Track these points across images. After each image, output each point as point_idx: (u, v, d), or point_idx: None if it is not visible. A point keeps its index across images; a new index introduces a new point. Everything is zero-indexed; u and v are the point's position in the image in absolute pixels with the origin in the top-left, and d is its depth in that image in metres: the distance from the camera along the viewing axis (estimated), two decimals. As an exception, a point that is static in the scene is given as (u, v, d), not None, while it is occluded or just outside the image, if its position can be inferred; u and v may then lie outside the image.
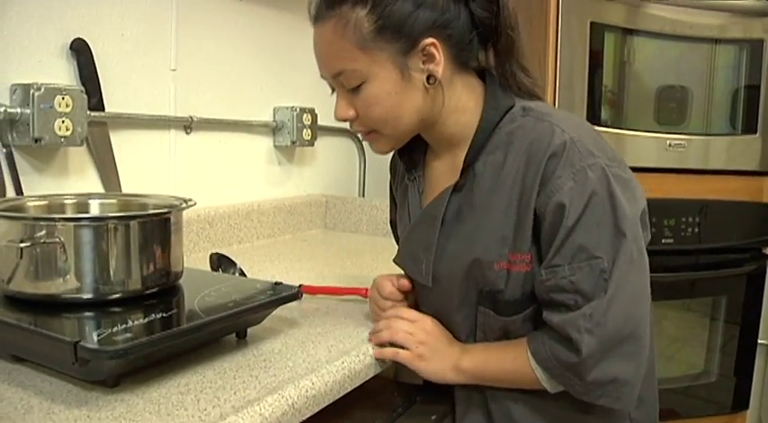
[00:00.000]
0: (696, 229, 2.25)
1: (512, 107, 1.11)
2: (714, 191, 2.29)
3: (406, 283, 1.22)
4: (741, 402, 2.44)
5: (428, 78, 1.06)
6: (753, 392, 2.49)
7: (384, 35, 1.02)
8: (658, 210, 2.17)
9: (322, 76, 1.11)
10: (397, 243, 1.42)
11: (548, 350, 1.03)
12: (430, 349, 1.14)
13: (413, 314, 1.18)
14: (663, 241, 2.22)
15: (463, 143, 1.12)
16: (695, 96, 2.37)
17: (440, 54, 1.05)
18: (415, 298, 1.25)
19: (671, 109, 2.37)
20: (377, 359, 1.13)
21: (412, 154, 1.24)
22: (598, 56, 2.18)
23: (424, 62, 1.05)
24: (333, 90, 1.13)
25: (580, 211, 0.99)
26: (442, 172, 1.19)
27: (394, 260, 1.26)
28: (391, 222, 1.45)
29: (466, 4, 1.06)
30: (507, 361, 1.09)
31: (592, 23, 2.12)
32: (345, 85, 1.07)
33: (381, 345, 1.15)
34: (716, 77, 2.38)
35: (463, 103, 1.12)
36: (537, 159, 1.02)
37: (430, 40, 1.04)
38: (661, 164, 2.21)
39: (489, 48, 1.13)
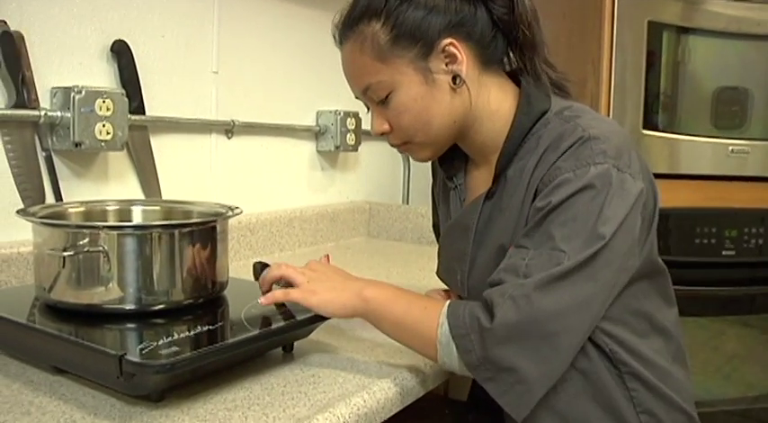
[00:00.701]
0: (759, 241, 2.20)
1: (546, 111, 1.10)
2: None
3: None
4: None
5: (453, 79, 1.08)
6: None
7: (400, 43, 1.06)
8: (718, 220, 2.12)
9: (356, 97, 1.17)
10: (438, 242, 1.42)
11: (467, 308, 0.99)
12: (322, 283, 1.10)
13: (319, 264, 1.19)
14: (723, 253, 2.16)
15: (498, 150, 1.12)
16: (756, 99, 2.32)
17: (461, 53, 1.07)
18: None
19: (730, 112, 2.32)
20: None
21: (453, 161, 1.24)
22: (654, 56, 2.15)
23: (446, 64, 1.07)
24: (368, 108, 1.16)
25: (563, 198, 0.97)
26: (481, 180, 1.19)
27: (437, 274, 1.26)
28: (434, 226, 1.45)
29: (483, 3, 1.08)
30: (416, 307, 1.05)
31: (649, 23, 2.09)
32: (374, 98, 1.10)
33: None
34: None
35: (496, 107, 1.12)
36: (552, 157, 1.02)
37: (448, 40, 1.06)
38: (721, 171, 2.16)
39: (516, 47, 1.14)
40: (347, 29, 1.11)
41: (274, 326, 1.02)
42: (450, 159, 1.23)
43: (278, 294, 1.08)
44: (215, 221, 1.12)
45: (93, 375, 0.97)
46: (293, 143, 2.12)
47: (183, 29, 1.72)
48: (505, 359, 0.95)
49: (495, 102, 1.12)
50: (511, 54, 1.14)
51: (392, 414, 1.02)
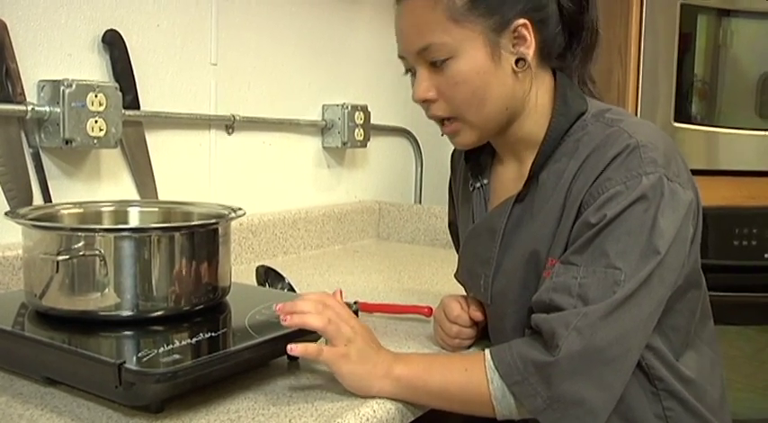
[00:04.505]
0: (808, 242, 2.21)
1: (583, 113, 1.14)
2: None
3: (479, 314, 1.23)
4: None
5: (517, 62, 1.10)
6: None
7: (478, 9, 1.07)
8: (761, 220, 2.13)
9: (400, 56, 1.16)
10: (457, 249, 1.45)
11: (514, 352, 1.01)
12: (357, 350, 1.05)
13: (343, 308, 1.11)
14: (766, 256, 2.18)
15: (531, 149, 1.16)
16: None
17: (531, 37, 1.10)
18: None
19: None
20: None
21: (479, 158, 1.27)
22: (688, 40, 2.16)
23: (514, 45, 1.10)
24: (407, 71, 1.16)
25: (616, 213, 1.00)
26: (509, 180, 1.21)
27: (455, 276, 1.28)
28: (450, 223, 1.47)
29: None
30: (456, 371, 1.05)
31: (683, 5, 2.11)
32: (431, 59, 1.09)
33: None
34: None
35: (539, 102, 1.15)
36: (597, 164, 1.05)
37: (522, 20, 1.08)
38: (765, 166, 2.17)
39: (574, 47, 1.16)
40: None
41: (279, 333, 1.05)
42: (476, 157, 1.26)
43: (311, 350, 1.03)
44: (217, 223, 1.15)
45: (88, 386, 0.99)
46: (297, 139, 2.16)
47: (179, 17, 1.75)
48: (573, 393, 0.97)
49: (541, 97, 1.15)
50: (567, 54, 1.17)
51: (403, 426, 1.05)
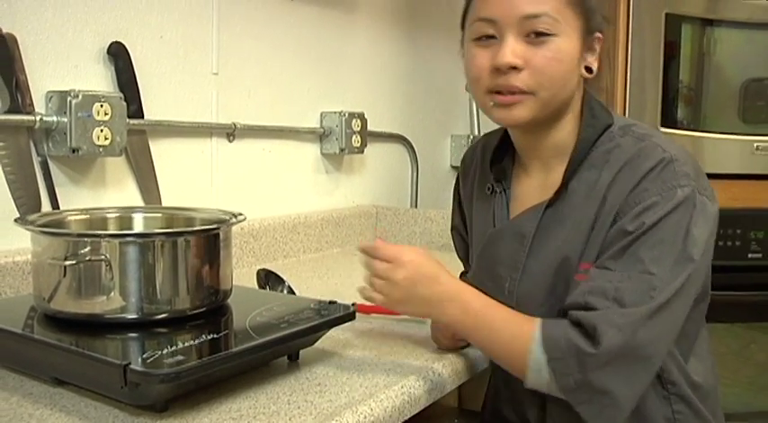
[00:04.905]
0: (789, 243, 2.22)
1: (609, 126, 1.17)
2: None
3: None
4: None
5: (587, 68, 1.16)
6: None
7: (581, 7, 1.12)
8: (744, 221, 2.14)
9: (486, 19, 1.12)
10: (458, 252, 1.45)
11: (562, 332, 1.03)
12: (419, 299, 1.09)
13: (389, 270, 1.10)
14: (749, 256, 2.18)
15: (559, 158, 1.18)
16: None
17: (598, 50, 1.17)
18: None
19: (758, 106, 2.34)
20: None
21: (502, 162, 1.28)
22: (673, 48, 2.17)
23: (589, 51, 1.16)
24: (483, 37, 1.13)
25: (653, 222, 1.03)
26: (532, 187, 1.23)
27: (467, 278, 1.28)
28: (453, 228, 1.47)
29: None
30: (513, 323, 1.08)
31: (667, 15, 2.12)
32: (536, 28, 1.09)
33: None
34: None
35: (574, 110, 1.19)
36: (632, 175, 1.08)
37: (599, 34, 1.16)
38: (747, 169, 2.19)
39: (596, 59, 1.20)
40: None
41: (279, 334, 1.05)
42: (500, 161, 1.28)
43: (376, 297, 1.10)
44: (218, 229, 1.15)
45: (95, 386, 1.00)
46: (297, 146, 2.16)
47: (181, 29, 1.76)
48: (603, 383, 1.00)
49: (576, 106, 1.19)
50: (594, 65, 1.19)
51: (400, 423, 1.06)
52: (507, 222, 1.22)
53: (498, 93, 1.12)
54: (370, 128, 2.33)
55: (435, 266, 1.10)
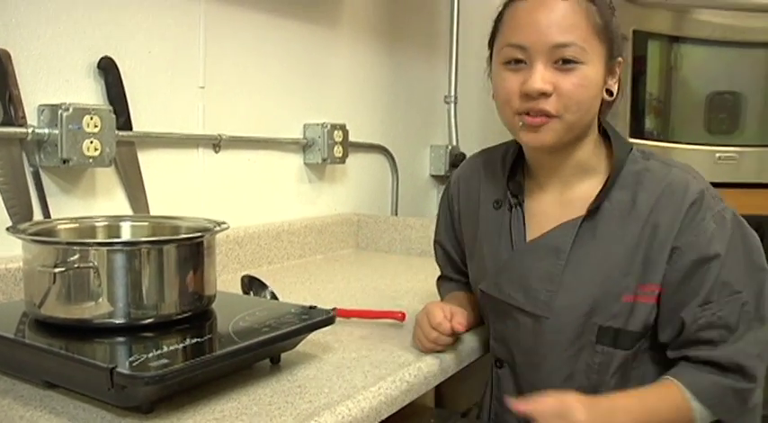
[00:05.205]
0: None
1: (631, 148, 1.23)
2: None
3: (461, 326, 1.24)
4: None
5: (608, 92, 1.20)
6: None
7: (606, 34, 1.16)
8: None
9: (517, 45, 1.16)
10: (440, 263, 1.47)
11: (714, 385, 1.12)
12: None
13: (554, 399, 1.09)
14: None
15: (578, 176, 1.23)
16: (750, 104, 2.37)
17: (619, 74, 1.21)
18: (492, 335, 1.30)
19: (723, 117, 2.38)
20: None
21: (516, 179, 1.30)
22: (642, 63, 2.20)
23: (611, 76, 1.20)
24: (512, 61, 1.17)
25: (724, 249, 1.12)
26: (549, 203, 1.26)
27: (481, 288, 1.28)
28: (437, 242, 1.49)
29: None
30: (664, 409, 1.12)
31: (635, 31, 2.15)
32: (564, 56, 1.13)
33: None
34: (773, 84, 2.38)
35: (594, 131, 1.23)
36: (674, 203, 1.14)
37: (620, 59, 1.20)
38: (710, 178, 2.20)
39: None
40: None
41: (261, 338, 1.06)
42: (514, 176, 1.30)
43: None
44: (202, 237, 1.16)
45: (84, 388, 1.01)
46: (280, 156, 2.17)
47: (169, 45, 1.77)
48: (758, 400, 1.15)
49: (595, 128, 1.23)
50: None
51: (377, 422, 1.06)
52: (541, 237, 1.23)
53: (527, 113, 1.16)
54: (351, 138, 2.34)
55: (585, 398, 1.09)
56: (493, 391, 1.31)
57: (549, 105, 1.13)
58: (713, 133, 2.38)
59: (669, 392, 1.12)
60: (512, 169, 1.31)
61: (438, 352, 1.26)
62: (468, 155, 2.95)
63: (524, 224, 1.27)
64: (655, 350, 1.19)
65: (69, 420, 0.95)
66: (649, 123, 2.25)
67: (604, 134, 1.25)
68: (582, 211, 1.20)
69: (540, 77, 1.12)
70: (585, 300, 1.17)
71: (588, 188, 1.22)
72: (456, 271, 1.49)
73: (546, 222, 1.23)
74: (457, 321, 1.23)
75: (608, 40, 1.16)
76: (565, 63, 1.13)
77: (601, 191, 1.19)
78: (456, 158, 2.92)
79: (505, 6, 1.21)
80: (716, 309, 1.11)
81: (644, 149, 1.24)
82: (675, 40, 2.30)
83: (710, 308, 1.12)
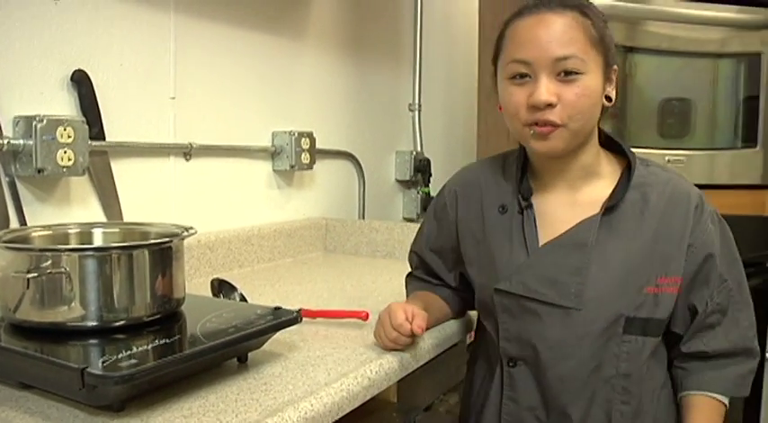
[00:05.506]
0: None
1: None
2: (718, 206, 2.31)
3: (420, 330, 1.25)
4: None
5: (607, 97, 1.25)
6: (762, 413, 2.52)
7: (602, 45, 1.21)
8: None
9: (521, 61, 1.21)
10: (413, 267, 1.53)
11: (736, 377, 1.30)
12: None
13: None
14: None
15: (583, 178, 1.29)
16: (699, 109, 2.42)
17: (615, 81, 1.26)
18: (511, 332, 1.30)
19: (674, 122, 2.42)
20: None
21: (523, 183, 1.33)
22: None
23: (608, 82, 1.24)
24: (518, 76, 1.22)
25: (720, 246, 1.27)
26: (558, 203, 1.30)
27: (500, 287, 1.28)
28: (432, 250, 1.49)
29: None
30: (709, 414, 1.30)
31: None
32: (566, 68, 1.18)
33: None
34: (718, 91, 2.44)
35: (595, 136, 1.29)
36: (682, 205, 1.26)
37: (615, 67, 1.26)
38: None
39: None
40: (566, 7, 1.20)
41: (227, 338, 1.08)
42: (524, 180, 1.33)
43: None
44: (170, 242, 1.17)
45: (57, 389, 1.02)
46: (250, 163, 2.18)
47: (140, 57, 1.77)
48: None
49: (596, 132, 1.29)
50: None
51: (339, 417, 1.08)
52: (564, 234, 1.27)
53: (535, 124, 1.20)
54: (319, 146, 2.35)
55: None
56: (504, 391, 1.31)
57: (554, 115, 1.18)
58: (665, 137, 2.42)
59: (710, 411, 1.29)
60: (523, 173, 1.34)
61: (398, 350, 1.28)
62: (433, 160, 2.98)
63: (535, 223, 1.30)
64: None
65: (43, 419, 0.96)
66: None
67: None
68: (593, 211, 1.26)
69: (545, 90, 1.18)
70: (612, 291, 1.22)
71: (595, 189, 1.29)
72: (428, 273, 1.51)
73: (557, 222, 1.28)
74: (417, 324, 1.25)
75: (604, 51, 1.21)
76: (567, 74, 1.18)
77: (615, 191, 1.26)
78: (420, 164, 2.95)
79: (506, 25, 1.26)
80: (715, 296, 1.26)
81: (638, 156, 1.31)
82: (630, 49, 2.34)
83: (713, 296, 1.26)
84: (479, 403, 1.37)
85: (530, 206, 1.31)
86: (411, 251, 1.53)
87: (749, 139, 2.44)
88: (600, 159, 1.30)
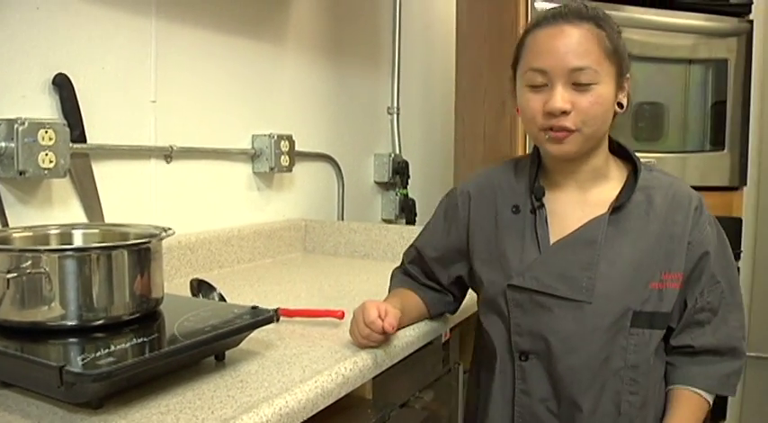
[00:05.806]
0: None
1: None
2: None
3: (391, 328, 1.27)
4: (717, 413, 2.50)
5: (619, 105, 1.29)
6: (729, 402, 2.56)
7: (616, 55, 1.25)
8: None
9: (538, 70, 1.25)
10: (407, 261, 1.54)
11: (721, 376, 1.35)
12: None
13: None
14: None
15: (592, 180, 1.33)
16: (671, 113, 2.45)
17: (628, 89, 1.30)
18: (523, 326, 1.32)
19: (646, 126, 2.45)
20: (349, 378, 1.19)
21: (535, 184, 1.37)
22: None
23: (621, 91, 1.29)
24: (533, 87, 1.26)
25: (715, 247, 1.32)
26: (569, 203, 1.35)
27: (513, 283, 1.31)
28: (415, 247, 1.52)
29: None
30: (694, 412, 1.34)
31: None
32: (580, 79, 1.22)
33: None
34: (689, 96, 2.47)
35: (606, 141, 1.34)
36: (683, 207, 1.31)
37: (628, 75, 1.30)
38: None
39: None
40: (583, 18, 1.24)
41: (204, 337, 1.08)
42: (537, 181, 1.37)
43: None
44: (149, 242, 1.18)
45: (37, 387, 1.02)
46: (230, 166, 2.19)
47: (121, 61, 1.78)
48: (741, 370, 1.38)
49: (606, 137, 1.34)
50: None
51: (313, 413, 1.09)
52: (574, 232, 1.30)
53: (551, 129, 1.25)
54: (298, 148, 2.37)
55: None
56: (516, 385, 1.33)
57: (569, 121, 1.23)
58: (639, 140, 2.45)
59: (691, 405, 1.34)
60: (536, 174, 1.38)
61: (371, 348, 1.29)
62: (411, 162, 3.00)
63: (547, 222, 1.33)
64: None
65: (23, 417, 0.96)
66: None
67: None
68: (601, 210, 1.30)
69: (561, 98, 1.22)
70: (620, 286, 1.27)
71: (604, 191, 1.33)
72: (421, 270, 1.52)
73: (568, 221, 1.32)
74: (388, 322, 1.26)
75: (617, 61, 1.25)
76: (581, 84, 1.22)
77: (621, 192, 1.31)
78: (399, 166, 2.97)
79: (526, 34, 1.30)
80: (706, 294, 1.31)
81: (642, 162, 1.36)
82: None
83: (704, 294, 1.31)
84: (484, 399, 1.40)
85: (542, 206, 1.34)
86: (411, 246, 1.55)
87: (717, 142, 2.48)
88: (609, 163, 1.35)
